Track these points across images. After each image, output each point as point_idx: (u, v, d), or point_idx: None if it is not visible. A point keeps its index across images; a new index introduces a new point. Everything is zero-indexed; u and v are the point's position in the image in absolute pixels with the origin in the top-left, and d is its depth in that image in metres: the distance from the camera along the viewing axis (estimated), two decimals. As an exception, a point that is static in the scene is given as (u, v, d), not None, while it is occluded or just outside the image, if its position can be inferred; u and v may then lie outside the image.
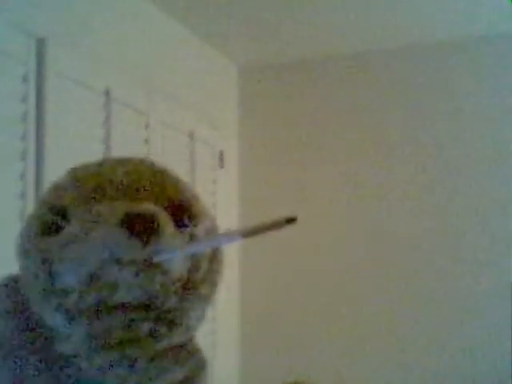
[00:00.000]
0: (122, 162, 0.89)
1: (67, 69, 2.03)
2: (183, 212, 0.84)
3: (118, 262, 0.76)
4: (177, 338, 0.81)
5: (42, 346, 0.79)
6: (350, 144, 3.07)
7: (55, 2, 2.06)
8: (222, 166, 2.96)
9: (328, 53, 3.07)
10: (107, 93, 2.19)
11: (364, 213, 2.97)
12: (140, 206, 0.79)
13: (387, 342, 2.88)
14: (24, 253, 0.80)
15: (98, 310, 0.77)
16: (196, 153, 2.74)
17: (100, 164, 0.89)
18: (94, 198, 0.82)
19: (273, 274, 3.09)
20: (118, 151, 2.23)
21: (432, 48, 2.97)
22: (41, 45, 1.93)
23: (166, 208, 0.82)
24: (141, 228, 0.76)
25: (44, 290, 0.77)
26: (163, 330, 0.79)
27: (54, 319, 0.77)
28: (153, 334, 0.79)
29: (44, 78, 1.93)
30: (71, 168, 0.90)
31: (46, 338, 0.79)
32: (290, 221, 0.74)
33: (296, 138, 3.15)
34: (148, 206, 0.79)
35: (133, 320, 0.77)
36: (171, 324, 0.80)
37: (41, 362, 0.78)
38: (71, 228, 0.78)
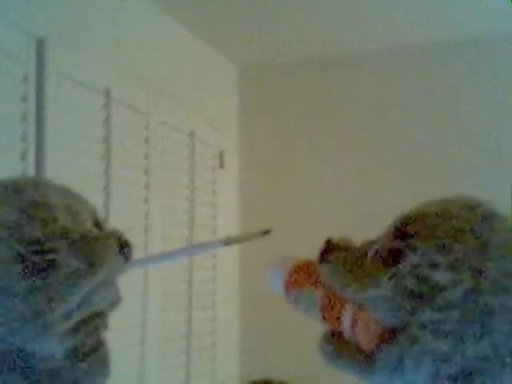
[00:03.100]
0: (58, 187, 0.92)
1: (67, 69, 2.03)
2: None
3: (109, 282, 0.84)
4: None
5: (21, 367, 0.82)
6: (350, 144, 3.07)
7: (55, 2, 2.06)
8: (221, 166, 2.96)
9: (328, 53, 3.07)
10: (107, 93, 2.19)
11: (365, 213, 2.97)
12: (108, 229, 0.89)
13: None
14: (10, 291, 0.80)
15: (76, 325, 0.82)
16: (196, 153, 2.74)
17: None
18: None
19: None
20: (118, 151, 2.23)
21: (432, 48, 2.97)
22: (41, 45, 1.93)
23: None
24: (123, 244, 0.85)
25: (42, 319, 0.79)
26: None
27: (42, 342, 0.80)
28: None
29: (44, 78, 1.93)
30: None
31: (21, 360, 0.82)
32: (266, 233, 0.89)
33: (296, 137, 3.15)
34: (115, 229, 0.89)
35: (97, 327, 0.85)
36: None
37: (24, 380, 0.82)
38: (65, 261, 0.81)
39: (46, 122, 1.92)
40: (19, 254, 0.79)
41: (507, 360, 0.80)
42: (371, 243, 0.88)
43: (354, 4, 2.59)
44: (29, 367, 0.81)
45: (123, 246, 0.85)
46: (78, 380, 0.84)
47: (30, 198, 0.84)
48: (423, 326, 0.80)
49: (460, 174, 2.87)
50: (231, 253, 3.07)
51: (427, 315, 0.80)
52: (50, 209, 0.84)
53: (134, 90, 2.38)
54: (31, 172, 1.87)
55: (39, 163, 1.89)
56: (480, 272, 0.80)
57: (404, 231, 0.85)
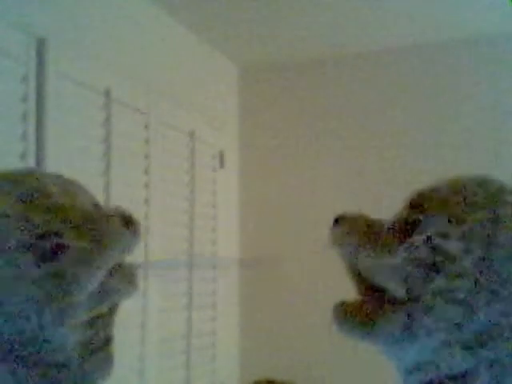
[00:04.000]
0: (57, 176, 0.93)
1: (67, 69, 2.03)
2: None
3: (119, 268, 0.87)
4: None
5: (33, 358, 0.81)
6: (349, 144, 3.07)
7: (55, 2, 2.06)
8: (222, 166, 2.96)
9: (328, 53, 3.07)
10: (107, 93, 2.19)
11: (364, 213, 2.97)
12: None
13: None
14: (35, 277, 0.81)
15: (90, 319, 0.84)
16: (196, 153, 2.74)
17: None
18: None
19: (273, 269, 3.10)
20: (118, 151, 2.23)
21: (432, 48, 2.97)
22: (41, 45, 1.93)
23: None
24: (128, 220, 0.88)
25: (58, 304, 0.80)
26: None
27: (56, 330, 0.80)
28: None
29: (44, 78, 1.93)
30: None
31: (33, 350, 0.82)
32: None
33: (296, 137, 3.15)
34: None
35: (105, 324, 0.87)
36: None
37: (33, 371, 0.82)
38: (73, 244, 0.82)
39: (46, 122, 1.92)
40: (28, 242, 0.80)
41: None
42: (387, 219, 0.92)
43: (354, 4, 2.59)
44: (39, 358, 0.81)
45: (128, 222, 0.86)
46: (85, 374, 0.84)
47: (30, 188, 0.84)
48: (436, 295, 0.82)
49: (460, 173, 2.86)
50: (231, 252, 3.07)
51: (440, 284, 0.82)
52: (50, 195, 0.84)
53: (134, 89, 2.38)
54: (31, 172, 1.87)
55: (39, 163, 1.89)
56: (490, 241, 0.82)
57: (418, 205, 0.88)
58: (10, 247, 0.79)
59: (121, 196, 2.24)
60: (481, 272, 0.81)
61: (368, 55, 3.05)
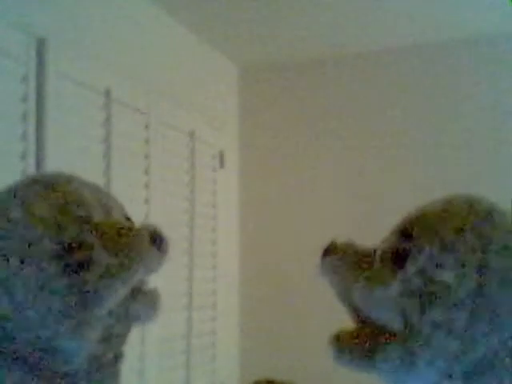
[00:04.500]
0: (90, 184, 0.94)
1: (67, 69, 2.03)
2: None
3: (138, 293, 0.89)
4: None
5: (43, 367, 0.81)
6: (350, 144, 3.07)
7: (55, 2, 2.06)
8: (222, 166, 2.96)
9: (328, 53, 3.07)
10: (107, 93, 2.19)
11: (364, 214, 2.97)
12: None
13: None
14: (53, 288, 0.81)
15: (105, 335, 0.84)
16: (196, 153, 2.74)
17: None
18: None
19: (273, 269, 3.09)
20: (118, 151, 2.23)
21: (432, 48, 2.97)
22: (41, 45, 1.93)
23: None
24: (156, 237, 0.90)
25: (78, 316, 0.80)
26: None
27: (72, 340, 0.80)
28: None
29: (44, 78, 1.92)
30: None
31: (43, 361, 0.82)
32: None
33: (296, 138, 3.15)
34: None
35: (119, 342, 0.88)
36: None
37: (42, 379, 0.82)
38: (101, 257, 0.81)
39: (46, 122, 1.92)
40: (57, 252, 0.79)
41: None
42: (376, 248, 0.90)
43: (354, 4, 2.59)
44: (48, 367, 0.81)
45: (156, 239, 0.84)
46: None
47: (64, 195, 0.83)
48: (434, 327, 0.81)
49: (460, 173, 2.87)
50: (231, 252, 3.07)
51: (437, 315, 0.80)
52: (84, 206, 0.84)
53: (134, 89, 2.38)
54: (31, 172, 1.87)
55: (39, 163, 1.89)
56: (483, 269, 0.81)
57: (409, 233, 0.86)
58: (39, 255, 0.79)
59: (121, 196, 2.24)
60: (476, 301, 0.80)
61: (368, 55, 3.05)
